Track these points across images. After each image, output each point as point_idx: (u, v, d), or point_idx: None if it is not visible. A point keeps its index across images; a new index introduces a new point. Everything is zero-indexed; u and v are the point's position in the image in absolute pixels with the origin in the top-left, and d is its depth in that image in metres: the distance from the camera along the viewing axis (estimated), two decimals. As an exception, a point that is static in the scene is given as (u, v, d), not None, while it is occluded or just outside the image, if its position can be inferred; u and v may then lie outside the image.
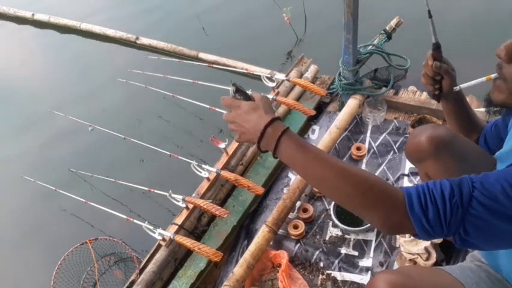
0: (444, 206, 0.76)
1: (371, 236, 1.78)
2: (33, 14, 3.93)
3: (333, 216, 1.81)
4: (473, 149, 1.25)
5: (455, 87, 1.13)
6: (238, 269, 1.63)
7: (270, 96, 2.19)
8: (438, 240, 1.61)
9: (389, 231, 0.82)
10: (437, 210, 0.76)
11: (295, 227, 1.81)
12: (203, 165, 1.92)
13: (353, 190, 0.80)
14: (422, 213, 0.77)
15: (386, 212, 0.79)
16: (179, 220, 1.83)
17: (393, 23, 2.37)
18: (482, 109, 2.05)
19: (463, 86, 1.09)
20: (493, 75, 0.92)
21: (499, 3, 3.03)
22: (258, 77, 2.36)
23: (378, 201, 0.79)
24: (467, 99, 2.27)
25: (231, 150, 2.02)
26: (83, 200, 2.08)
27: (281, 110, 2.32)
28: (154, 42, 3.30)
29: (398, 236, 1.72)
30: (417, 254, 1.60)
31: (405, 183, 1.94)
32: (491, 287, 1.07)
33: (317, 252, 1.75)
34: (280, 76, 2.35)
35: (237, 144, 2.05)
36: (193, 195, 1.89)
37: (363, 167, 2.05)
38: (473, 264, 1.14)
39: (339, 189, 0.81)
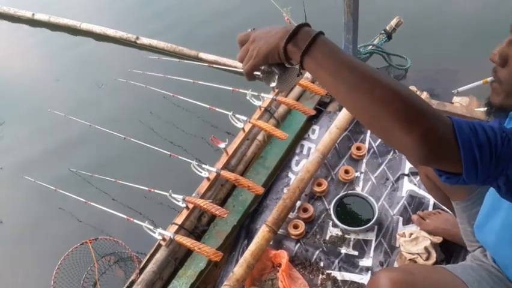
0: (495, 136, 0.69)
1: (371, 236, 1.78)
2: (33, 14, 3.93)
3: (333, 216, 1.81)
4: None
5: (453, 91, 1.13)
6: (238, 269, 1.63)
7: (270, 96, 2.20)
8: (438, 240, 1.61)
9: (426, 153, 0.67)
10: (487, 136, 0.68)
11: (295, 226, 1.81)
12: (203, 165, 1.92)
13: (392, 93, 0.68)
14: (471, 134, 0.68)
15: (429, 123, 0.66)
16: (179, 220, 1.83)
17: (393, 23, 2.38)
18: (482, 109, 2.05)
19: (460, 89, 1.09)
20: (489, 79, 0.94)
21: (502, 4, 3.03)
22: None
23: (420, 110, 0.67)
24: (467, 99, 2.26)
25: (231, 150, 2.02)
26: (83, 200, 2.08)
27: (281, 109, 2.32)
28: (154, 42, 3.30)
29: (398, 236, 1.72)
30: (417, 253, 1.60)
31: (406, 183, 1.94)
32: (492, 286, 1.07)
33: (317, 252, 1.75)
34: (280, 76, 2.34)
35: (237, 144, 2.05)
36: (193, 195, 1.89)
37: (363, 166, 2.05)
38: (474, 263, 1.14)
39: (376, 95, 0.68)
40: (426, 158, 0.69)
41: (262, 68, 0.82)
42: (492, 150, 0.68)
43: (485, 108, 0.97)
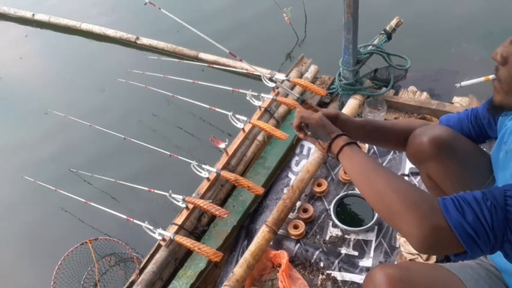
0: (480, 209, 0.73)
1: (371, 236, 1.78)
2: (33, 14, 3.93)
3: (333, 216, 1.81)
4: (472, 148, 1.25)
5: (456, 84, 1.14)
6: (238, 269, 1.63)
7: (270, 96, 2.20)
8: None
9: (427, 240, 0.75)
10: (475, 213, 0.73)
11: (296, 227, 1.81)
12: (203, 165, 1.92)
13: (384, 191, 0.83)
14: (459, 215, 0.73)
15: (422, 214, 0.75)
16: (179, 220, 1.83)
17: (393, 23, 2.37)
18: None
19: (463, 83, 1.10)
20: (491, 76, 0.95)
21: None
22: (258, 77, 2.36)
23: (412, 203, 0.77)
24: (467, 99, 2.24)
25: (231, 150, 2.02)
26: (83, 200, 2.08)
27: (281, 110, 2.32)
28: (154, 42, 3.30)
29: (398, 236, 1.72)
30: (418, 254, 1.60)
31: (405, 183, 1.93)
32: (490, 284, 1.07)
33: (317, 252, 1.75)
34: (280, 76, 2.35)
35: (237, 144, 2.05)
36: (193, 195, 1.89)
37: (363, 167, 2.05)
38: (474, 262, 1.14)
39: (375, 190, 0.86)
40: (425, 244, 0.76)
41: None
42: (484, 224, 0.72)
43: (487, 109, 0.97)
